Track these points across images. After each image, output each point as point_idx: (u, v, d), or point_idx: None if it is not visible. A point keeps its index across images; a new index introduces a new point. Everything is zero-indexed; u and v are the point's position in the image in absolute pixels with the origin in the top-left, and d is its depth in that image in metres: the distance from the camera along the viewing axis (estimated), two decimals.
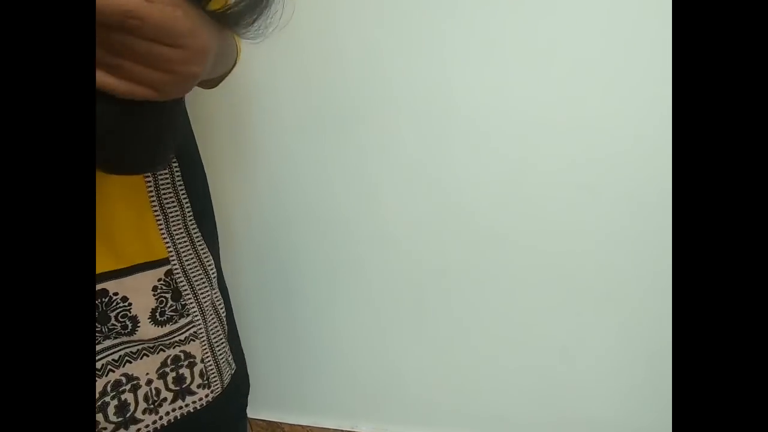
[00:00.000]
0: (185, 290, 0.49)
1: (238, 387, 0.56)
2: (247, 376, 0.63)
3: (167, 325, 0.48)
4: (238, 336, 0.64)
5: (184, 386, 0.49)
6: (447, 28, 0.69)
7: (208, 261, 0.51)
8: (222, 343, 0.53)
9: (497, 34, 0.69)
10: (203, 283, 0.51)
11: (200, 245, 0.51)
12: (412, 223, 0.78)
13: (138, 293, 0.46)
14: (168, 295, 0.48)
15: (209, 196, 0.56)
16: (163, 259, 0.48)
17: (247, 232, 0.83)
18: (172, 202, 0.49)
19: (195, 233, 0.51)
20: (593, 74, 0.68)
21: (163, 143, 0.38)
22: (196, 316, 0.50)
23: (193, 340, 0.50)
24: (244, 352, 0.60)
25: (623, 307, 0.75)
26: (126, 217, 0.46)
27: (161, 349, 0.48)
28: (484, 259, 0.77)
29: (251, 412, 0.66)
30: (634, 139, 0.69)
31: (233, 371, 0.55)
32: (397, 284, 0.81)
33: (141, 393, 0.47)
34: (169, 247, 0.48)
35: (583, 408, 0.79)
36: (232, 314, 0.65)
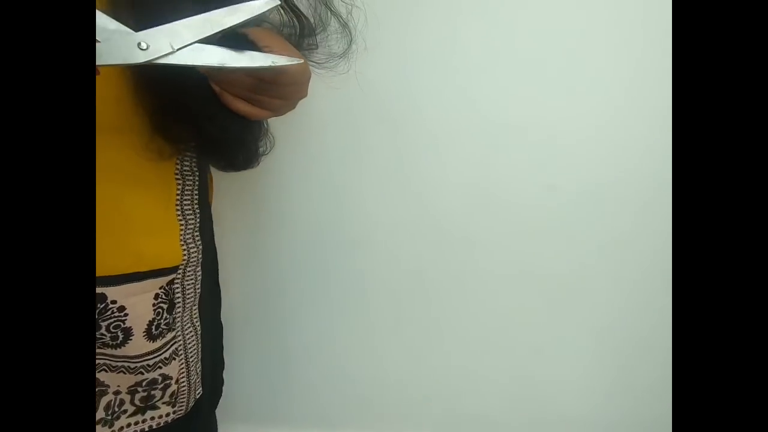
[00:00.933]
0: (179, 303, 0.47)
1: (200, 408, 0.54)
2: (219, 393, 0.62)
3: (158, 340, 0.46)
4: (222, 358, 0.63)
5: (149, 403, 0.47)
6: (413, 34, 0.71)
7: (199, 274, 0.50)
8: (196, 362, 0.51)
9: (463, 40, 0.70)
10: (192, 296, 0.50)
11: (200, 257, 0.50)
12: (386, 227, 0.78)
13: (138, 303, 0.44)
14: (165, 307, 0.46)
15: (210, 212, 0.56)
16: (176, 266, 0.46)
17: (222, 238, 0.82)
18: (190, 208, 0.49)
19: (199, 244, 0.50)
20: (557, 78, 0.71)
21: (257, 144, 0.52)
22: (179, 331, 0.48)
23: (174, 359, 0.48)
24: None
25: (593, 304, 0.77)
26: (151, 216, 0.44)
27: (140, 372, 0.46)
28: (459, 262, 0.78)
29: (226, 426, 0.65)
30: (596, 142, 0.72)
31: (199, 395, 0.53)
32: (374, 289, 0.80)
33: (104, 400, 0.44)
34: (184, 254, 0.47)
35: (558, 406, 0.81)
36: (221, 332, 0.63)
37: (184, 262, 0.47)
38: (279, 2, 0.37)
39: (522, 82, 0.71)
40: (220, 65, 0.36)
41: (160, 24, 0.34)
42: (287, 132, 0.76)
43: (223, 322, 0.64)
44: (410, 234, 0.78)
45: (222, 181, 0.74)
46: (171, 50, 0.34)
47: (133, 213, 0.43)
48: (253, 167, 0.53)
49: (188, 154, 0.48)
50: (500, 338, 0.80)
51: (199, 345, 0.52)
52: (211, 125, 0.43)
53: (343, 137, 0.75)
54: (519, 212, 0.76)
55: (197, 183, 0.51)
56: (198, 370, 0.52)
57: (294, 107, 0.47)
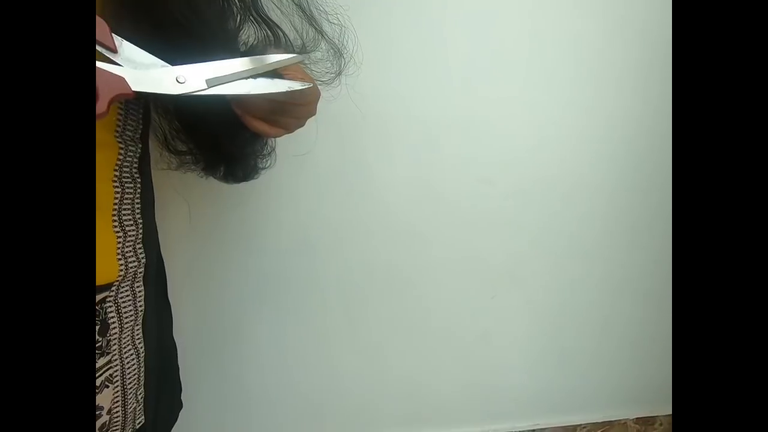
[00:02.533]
0: (113, 324, 0.43)
1: None
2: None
3: None
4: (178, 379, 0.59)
5: None
6: (355, 35, 0.71)
7: (140, 291, 0.46)
8: (137, 388, 0.47)
9: (401, 42, 0.73)
10: (132, 315, 0.46)
11: (140, 270, 0.46)
12: (333, 228, 0.78)
13: None
14: (96, 329, 0.42)
15: (155, 223, 0.52)
16: (109, 284, 0.42)
17: (169, 250, 0.76)
18: (130, 218, 0.45)
19: (141, 257, 0.46)
20: (489, 82, 0.76)
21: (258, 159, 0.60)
22: (115, 355, 0.44)
23: (107, 386, 0.43)
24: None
25: (529, 286, 0.83)
26: None
27: None
28: (406, 257, 0.80)
29: None
30: (524, 138, 0.79)
31: (140, 424, 0.49)
32: (324, 292, 0.80)
33: None
34: (121, 269, 0.43)
35: (507, 389, 0.87)
36: (175, 352, 0.59)
37: (120, 277, 0.43)
38: (303, 58, 0.45)
39: (460, 81, 0.75)
40: (246, 93, 0.41)
41: (194, 62, 0.39)
42: None
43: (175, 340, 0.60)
44: (360, 233, 0.79)
45: (167, 190, 0.69)
46: (205, 87, 0.39)
47: None
48: (253, 179, 0.61)
49: (141, 159, 0.48)
50: (451, 328, 0.84)
51: (141, 368, 0.48)
52: (230, 143, 0.52)
53: (286, 139, 0.74)
54: (460, 206, 0.80)
55: (139, 190, 0.47)
56: (139, 396, 0.48)
57: (304, 125, 0.52)
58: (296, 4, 0.55)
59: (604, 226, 0.84)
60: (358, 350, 0.83)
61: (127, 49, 0.36)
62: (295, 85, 0.43)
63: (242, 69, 0.41)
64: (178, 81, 0.38)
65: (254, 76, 0.42)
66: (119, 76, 0.35)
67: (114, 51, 0.36)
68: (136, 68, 0.37)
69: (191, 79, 0.39)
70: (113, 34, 0.36)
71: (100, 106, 0.33)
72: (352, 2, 0.59)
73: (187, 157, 0.58)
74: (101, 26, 0.35)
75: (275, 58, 0.42)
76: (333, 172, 0.76)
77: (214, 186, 0.65)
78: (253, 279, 0.77)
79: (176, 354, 0.59)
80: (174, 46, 0.39)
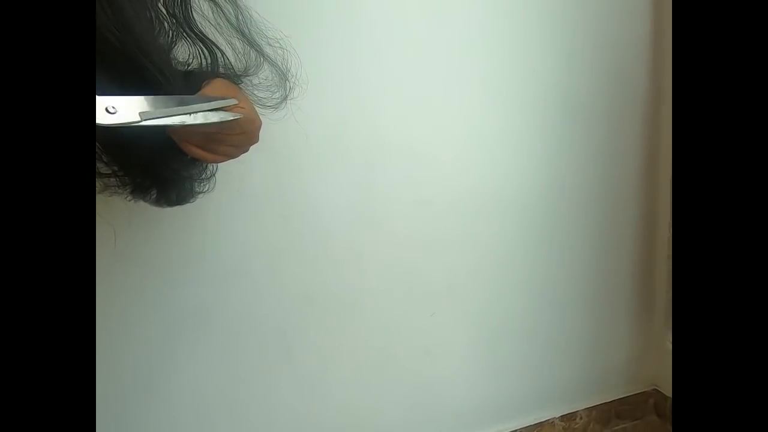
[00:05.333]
0: None
1: None
2: None
3: None
4: None
5: None
6: (299, 59, 0.70)
7: None
8: None
9: (336, 67, 0.73)
10: None
11: None
12: (269, 254, 0.74)
13: None
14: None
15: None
16: None
17: None
18: None
19: None
20: (424, 106, 0.78)
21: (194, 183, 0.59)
22: None
23: None
24: None
25: (465, 301, 0.87)
26: None
27: None
28: (346, 280, 0.79)
29: None
30: (457, 160, 0.83)
31: None
32: (260, 322, 0.75)
33: None
34: None
35: (447, 401, 0.88)
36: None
37: None
38: (240, 117, 0.46)
39: (391, 104, 0.77)
40: (180, 124, 0.42)
41: (126, 89, 0.39)
42: None
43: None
44: (295, 259, 0.76)
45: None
46: (138, 120, 0.39)
47: None
48: (188, 203, 0.59)
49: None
50: (393, 349, 0.83)
51: None
52: (165, 167, 0.52)
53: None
54: (394, 226, 0.81)
55: None
56: None
57: (247, 151, 0.53)
58: (234, 27, 0.53)
59: (530, 240, 0.90)
60: (298, 381, 0.78)
61: None
62: (227, 116, 0.45)
63: (177, 106, 0.41)
64: (108, 111, 0.37)
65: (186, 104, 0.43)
66: None
67: None
68: None
69: (123, 110, 0.38)
70: None
71: None
72: (293, 29, 0.58)
73: (111, 179, 0.52)
74: None
75: (212, 103, 0.44)
76: (269, 196, 0.73)
77: (144, 210, 0.58)
78: (182, 311, 0.70)
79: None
80: (104, 67, 0.38)
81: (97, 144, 0.49)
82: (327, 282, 0.78)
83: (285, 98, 0.60)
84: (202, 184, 0.59)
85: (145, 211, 0.60)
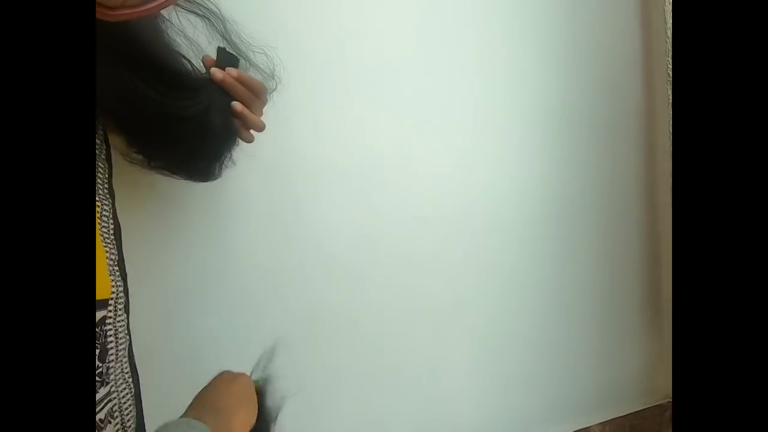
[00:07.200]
0: (111, 349, 0.37)
1: None
2: None
3: None
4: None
5: None
6: (287, 83, 0.71)
7: (124, 316, 0.40)
8: (133, 429, 0.42)
9: (333, 89, 0.74)
10: (124, 342, 0.39)
11: (123, 296, 0.41)
12: (273, 274, 0.74)
13: None
14: (96, 353, 0.36)
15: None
16: (105, 300, 0.38)
17: None
18: (108, 241, 0.41)
19: (119, 281, 0.41)
20: (421, 125, 0.80)
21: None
22: (113, 387, 0.38)
23: (110, 422, 0.37)
24: None
25: (470, 316, 0.86)
26: None
27: None
28: (349, 299, 0.79)
29: None
30: (456, 178, 0.83)
31: None
32: (265, 345, 0.75)
33: None
34: (113, 288, 0.36)
35: (453, 420, 0.86)
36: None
37: (114, 294, 0.39)
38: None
39: (388, 122, 0.78)
40: None
41: None
42: (151, 183, 0.67)
43: None
44: (299, 280, 0.76)
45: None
46: None
47: None
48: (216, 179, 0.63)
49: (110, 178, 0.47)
50: (400, 368, 0.82)
51: (135, 408, 0.42)
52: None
53: (216, 185, 0.70)
54: (394, 244, 0.81)
55: (112, 211, 0.45)
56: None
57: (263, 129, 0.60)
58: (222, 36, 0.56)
59: (534, 252, 0.90)
60: (306, 403, 0.77)
61: None
62: None
63: None
64: None
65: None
66: None
67: None
68: None
69: None
70: None
71: None
72: (288, 53, 0.60)
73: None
74: None
75: None
76: (267, 216, 0.73)
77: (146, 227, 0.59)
78: (187, 340, 0.70)
79: None
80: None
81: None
82: (329, 302, 0.78)
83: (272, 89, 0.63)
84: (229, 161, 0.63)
85: (145, 228, 0.60)
